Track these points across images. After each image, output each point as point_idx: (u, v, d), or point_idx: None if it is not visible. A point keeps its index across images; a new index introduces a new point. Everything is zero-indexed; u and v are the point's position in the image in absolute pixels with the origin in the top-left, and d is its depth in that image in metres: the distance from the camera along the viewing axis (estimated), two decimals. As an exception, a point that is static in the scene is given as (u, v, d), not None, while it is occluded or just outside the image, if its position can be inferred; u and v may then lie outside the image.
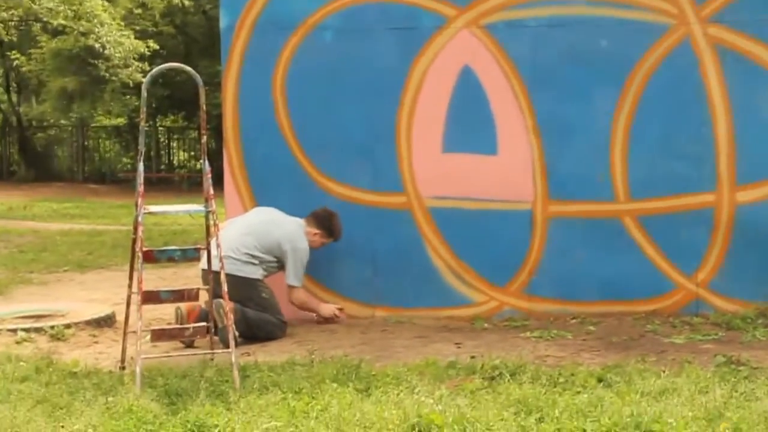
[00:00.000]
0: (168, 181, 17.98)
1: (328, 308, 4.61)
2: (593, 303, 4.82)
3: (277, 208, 4.76)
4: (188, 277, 5.92)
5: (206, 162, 3.61)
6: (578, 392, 3.18)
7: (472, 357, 3.76)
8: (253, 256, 4.39)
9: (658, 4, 4.61)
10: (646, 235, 4.77)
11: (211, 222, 3.67)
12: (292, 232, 4.49)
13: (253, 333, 4.30)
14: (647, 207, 4.77)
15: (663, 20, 4.64)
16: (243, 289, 4.24)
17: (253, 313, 4.34)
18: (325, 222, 4.55)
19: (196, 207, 3.87)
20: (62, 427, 2.89)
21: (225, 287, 3.59)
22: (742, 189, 4.66)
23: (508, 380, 3.33)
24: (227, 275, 3.71)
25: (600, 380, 3.36)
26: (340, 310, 4.65)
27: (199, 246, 3.95)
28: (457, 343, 4.18)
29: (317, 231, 4.54)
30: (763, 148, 4.67)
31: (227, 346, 3.60)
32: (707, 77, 4.62)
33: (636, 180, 4.78)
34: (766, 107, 4.65)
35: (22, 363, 3.71)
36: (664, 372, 3.41)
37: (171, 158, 20.16)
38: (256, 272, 4.40)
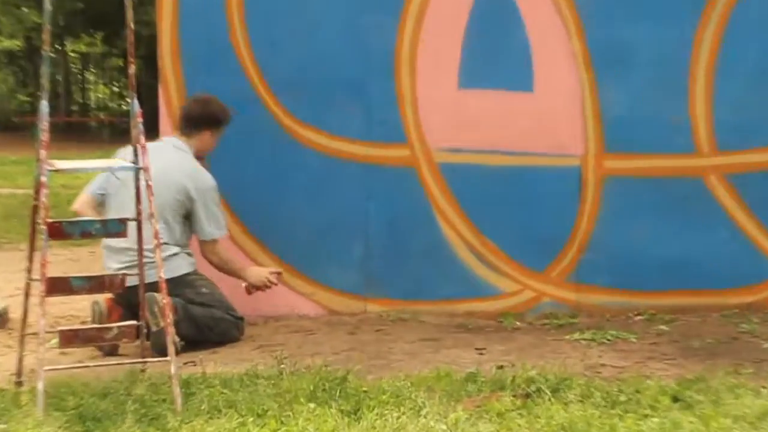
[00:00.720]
0: (83, 128, 18.08)
1: (257, 272, 4.63)
2: (665, 293, 4.95)
3: (236, 166, 4.85)
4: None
5: (135, 101, 3.66)
6: (646, 415, 3.25)
7: (500, 367, 3.87)
8: (168, 244, 4.41)
9: None
10: (739, 200, 4.87)
11: (143, 183, 3.69)
12: (178, 169, 4.48)
13: (202, 334, 4.38)
14: (740, 162, 4.89)
15: None
16: (173, 293, 4.32)
17: (200, 309, 4.42)
18: (204, 116, 4.57)
19: (123, 163, 3.93)
20: None
21: (162, 272, 3.63)
22: None
23: (549, 399, 3.41)
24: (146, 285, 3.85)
25: (675, 399, 3.44)
26: (278, 274, 4.70)
27: (126, 217, 3.93)
28: (478, 349, 4.29)
29: (204, 133, 4.56)
30: None
31: (164, 354, 3.64)
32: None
33: (725, 126, 4.88)
34: None
35: None
36: (765, 388, 3.51)
37: (86, 96, 20.16)
38: (181, 264, 4.44)
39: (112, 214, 4.44)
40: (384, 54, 4.98)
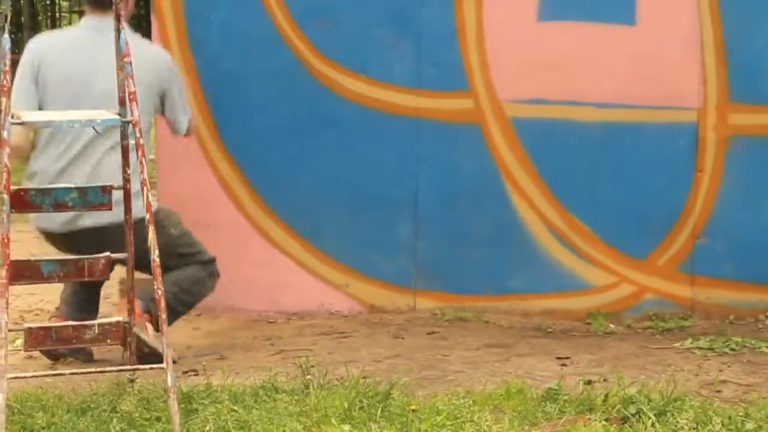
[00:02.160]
0: None
1: None
2: None
3: (249, 123, 5.03)
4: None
5: (122, 37, 3.68)
6: None
7: (588, 382, 3.90)
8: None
9: None
10: None
11: (132, 141, 3.77)
12: (145, 60, 4.57)
13: (176, 315, 4.63)
14: None
15: None
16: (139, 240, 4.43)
17: (178, 281, 4.63)
18: None
19: (105, 115, 3.95)
20: None
21: (155, 255, 3.66)
22: None
23: (653, 424, 3.43)
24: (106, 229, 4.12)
25: None
26: None
27: (110, 185, 4.00)
28: (561, 358, 4.37)
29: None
30: None
31: (157, 359, 3.69)
32: None
33: None
34: None
35: None
36: None
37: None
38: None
39: (56, 145, 4.57)
40: None
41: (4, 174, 3.60)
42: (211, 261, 4.77)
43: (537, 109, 5.06)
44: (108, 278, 4.22)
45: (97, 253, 4.08)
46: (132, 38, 4.47)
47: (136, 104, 3.84)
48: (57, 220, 4.59)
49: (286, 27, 5.11)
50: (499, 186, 5.05)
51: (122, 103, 3.86)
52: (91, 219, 4.51)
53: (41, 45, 4.88)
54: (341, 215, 5.12)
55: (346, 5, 5.11)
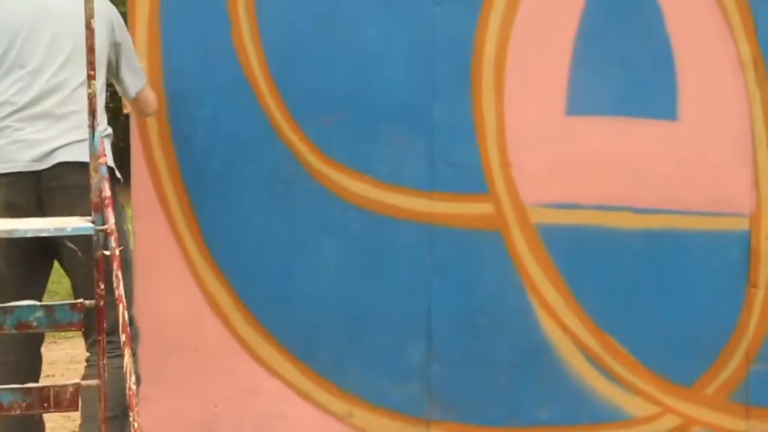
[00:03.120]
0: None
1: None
2: None
3: (239, 230, 5.05)
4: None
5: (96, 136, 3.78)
6: None
7: None
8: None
9: None
10: None
11: (109, 247, 3.82)
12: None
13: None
14: None
15: None
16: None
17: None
18: None
19: (76, 223, 4.03)
20: None
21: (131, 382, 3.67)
22: None
23: None
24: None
25: None
26: None
27: (80, 301, 3.95)
28: None
29: None
30: None
31: None
32: None
33: None
34: None
35: None
36: None
37: None
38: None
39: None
40: (456, 70, 5.00)
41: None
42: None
43: (566, 215, 5.01)
44: (77, 409, 4.08)
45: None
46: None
47: (112, 209, 3.87)
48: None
49: (283, 123, 5.02)
50: (524, 302, 4.99)
51: (96, 208, 3.87)
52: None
53: None
54: (344, 335, 5.07)
55: (349, 99, 5.01)
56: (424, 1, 5.05)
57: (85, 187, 4.25)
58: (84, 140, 4.34)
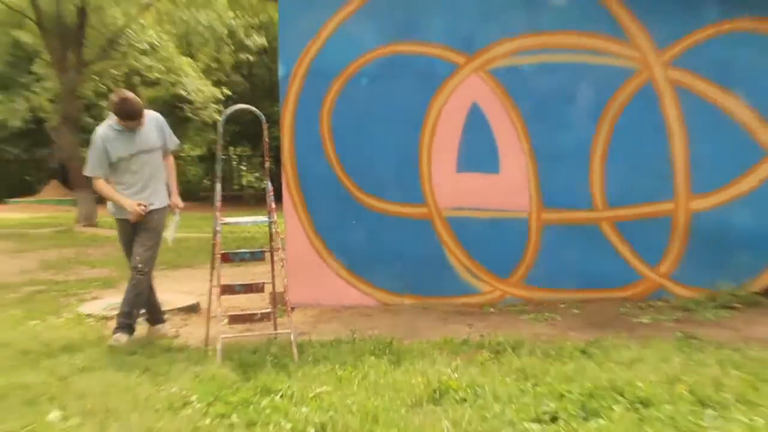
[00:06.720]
0: (239, 198, 33.33)
1: (128, 203, 6.28)
2: (577, 291, 7.38)
3: (322, 218, 7.09)
4: (255, 273, 9.45)
5: (269, 182, 5.46)
6: (566, 362, 4.75)
7: (481, 335, 5.68)
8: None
9: (626, 52, 7.23)
10: (619, 236, 7.17)
11: (273, 230, 5.73)
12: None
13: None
14: (620, 214, 7.23)
15: (630, 65, 7.40)
16: (153, 222, 6.14)
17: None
18: (114, 109, 6.24)
19: (261, 218, 5.91)
20: (163, 389, 4.44)
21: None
22: (696, 198, 7.34)
23: (510, 353, 5.00)
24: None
25: (583, 352, 5.05)
26: (143, 206, 6.31)
27: (264, 249, 6.07)
28: (469, 324, 6.37)
29: (116, 118, 6.32)
30: (712, 166, 7.27)
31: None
32: (666, 110, 7.25)
33: (611, 192, 7.34)
34: (713, 134, 7.20)
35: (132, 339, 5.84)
36: (633, 345, 5.16)
37: (241, 180, 34.79)
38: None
39: (129, 180, 6.01)
40: (412, 151, 7.23)
41: (217, 246, 5.20)
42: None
43: (457, 212, 6.98)
44: (263, 292, 5.63)
45: (144, 225, 5.60)
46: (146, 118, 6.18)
47: (275, 213, 4.90)
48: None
49: (342, 176, 7.23)
50: (440, 247, 7.07)
51: (269, 212, 5.21)
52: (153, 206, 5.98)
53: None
54: (369, 260, 7.23)
55: (368, 164, 7.01)
56: (396, 128, 7.10)
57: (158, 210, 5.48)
58: None
